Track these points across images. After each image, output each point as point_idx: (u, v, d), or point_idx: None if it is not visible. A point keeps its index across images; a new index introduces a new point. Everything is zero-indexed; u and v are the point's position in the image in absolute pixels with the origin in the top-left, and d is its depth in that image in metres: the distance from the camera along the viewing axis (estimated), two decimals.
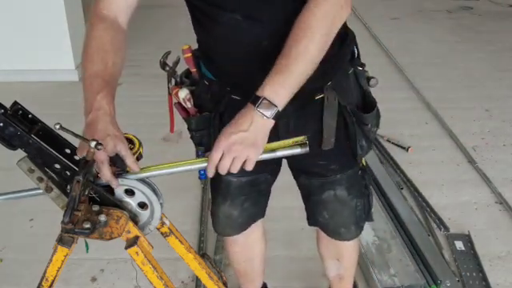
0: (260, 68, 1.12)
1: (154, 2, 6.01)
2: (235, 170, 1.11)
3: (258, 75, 1.10)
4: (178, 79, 1.42)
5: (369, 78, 1.40)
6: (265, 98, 1.07)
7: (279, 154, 1.16)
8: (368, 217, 1.54)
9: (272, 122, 1.10)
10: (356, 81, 1.37)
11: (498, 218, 2.55)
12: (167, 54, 1.43)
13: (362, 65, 1.39)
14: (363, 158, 1.46)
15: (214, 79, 1.35)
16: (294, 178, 1.52)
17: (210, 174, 1.13)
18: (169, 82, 1.41)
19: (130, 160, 1.12)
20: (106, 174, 1.10)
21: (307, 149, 1.15)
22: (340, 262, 1.68)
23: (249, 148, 1.09)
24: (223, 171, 1.11)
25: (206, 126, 1.37)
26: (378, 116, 1.38)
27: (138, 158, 1.16)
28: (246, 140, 1.08)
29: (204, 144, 1.40)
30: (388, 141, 3.19)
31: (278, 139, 1.32)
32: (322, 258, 1.73)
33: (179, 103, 1.37)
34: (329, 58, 1.23)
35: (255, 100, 1.08)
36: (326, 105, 1.29)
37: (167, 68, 1.41)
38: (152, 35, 5.05)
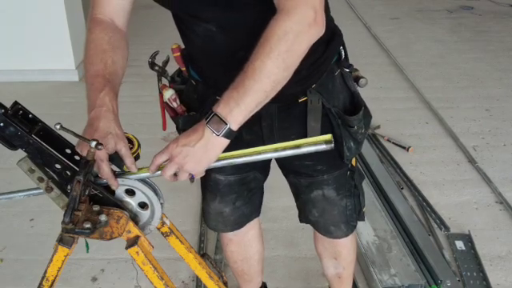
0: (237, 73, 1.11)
1: (153, 2, 6.00)
2: (180, 179, 1.11)
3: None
4: (169, 78, 1.44)
5: (358, 78, 1.38)
6: (216, 114, 1.03)
7: (304, 150, 1.16)
8: (359, 216, 1.54)
9: (224, 141, 1.05)
10: (343, 82, 1.35)
11: (499, 217, 2.55)
12: (155, 54, 1.44)
13: (350, 66, 1.37)
14: (353, 159, 1.45)
15: (199, 80, 1.36)
16: (284, 176, 1.53)
17: (150, 171, 1.13)
18: (159, 80, 1.42)
19: (128, 160, 1.12)
20: (105, 173, 1.11)
21: (332, 145, 1.15)
22: (337, 260, 1.68)
23: (190, 163, 1.08)
24: (165, 177, 1.11)
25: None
26: (366, 117, 1.37)
27: (136, 159, 1.16)
28: (190, 156, 1.07)
29: None
30: (388, 141, 3.20)
31: (263, 141, 1.33)
32: (320, 257, 1.73)
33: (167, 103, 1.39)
34: (312, 62, 1.22)
35: (208, 116, 1.05)
36: (309, 107, 1.28)
37: (156, 68, 1.42)
38: (152, 35, 5.05)
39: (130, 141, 1.17)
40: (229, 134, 1.05)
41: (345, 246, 1.64)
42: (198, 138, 1.06)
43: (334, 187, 1.44)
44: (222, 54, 1.21)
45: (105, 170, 1.10)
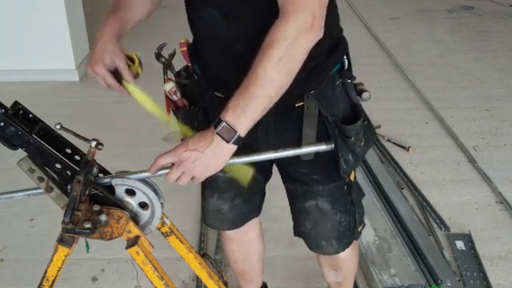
0: (235, 70, 1.12)
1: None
2: (182, 183, 1.12)
3: (235, 76, 1.10)
4: (175, 72, 1.45)
5: (361, 91, 1.36)
6: (225, 123, 1.05)
7: (304, 150, 1.16)
8: (353, 234, 1.49)
9: (233, 147, 1.08)
10: (345, 92, 1.33)
11: (499, 217, 2.56)
12: (162, 45, 1.46)
13: (352, 77, 1.36)
14: (352, 174, 1.41)
15: (201, 74, 1.37)
16: (282, 182, 1.50)
17: (150, 171, 1.13)
18: (164, 73, 1.43)
19: (125, 73, 1.21)
20: (111, 83, 1.21)
21: (332, 145, 1.14)
22: (338, 272, 1.66)
23: (198, 168, 1.09)
24: (169, 180, 1.12)
25: (192, 120, 1.39)
26: (367, 132, 1.33)
27: (136, 76, 1.23)
28: (199, 161, 1.08)
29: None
30: (388, 140, 3.20)
31: (257, 144, 1.32)
32: (320, 266, 1.71)
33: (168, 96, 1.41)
34: (312, 67, 1.21)
35: (217, 123, 1.06)
36: (305, 113, 1.27)
37: (162, 59, 1.43)
38: (152, 35, 5.04)
39: (131, 59, 1.24)
40: (237, 141, 1.07)
41: (345, 261, 1.61)
42: (207, 144, 1.07)
43: (329, 200, 1.41)
44: (222, 43, 1.22)
45: (110, 81, 1.20)
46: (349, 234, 1.47)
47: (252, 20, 1.13)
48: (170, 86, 1.37)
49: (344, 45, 1.33)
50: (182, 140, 1.19)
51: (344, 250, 1.51)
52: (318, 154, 1.27)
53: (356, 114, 1.32)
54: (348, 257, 1.60)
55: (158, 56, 1.43)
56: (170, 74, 1.44)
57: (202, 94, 1.37)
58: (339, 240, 1.47)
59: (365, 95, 1.36)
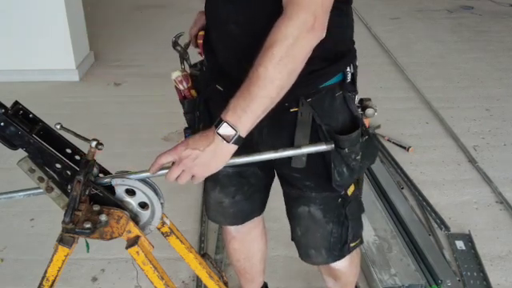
0: (232, 53, 1.14)
1: (154, 2, 6.01)
2: (181, 181, 1.12)
3: (232, 61, 1.11)
4: (189, 62, 1.49)
5: (366, 107, 1.35)
6: (226, 123, 1.05)
7: (304, 150, 1.16)
8: (343, 248, 1.44)
9: (233, 147, 1.08)
10: (345, 105, 1.29)
11: (499, 217, 2.56)
12: (180, 34, 1.50)
13: (354, 91, 1.33)
14: (351, 189, 1.38)
15: (207, 65, 1.39)
16: (280, 184, 1.49)
17: (151, 171, 1.13)
18: (181, 63, 1.47)
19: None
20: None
21: (333, 145, 1.14)
22: (337, 281, 1.65)
23: (198, 167, 1.09)
24: (169, 179, 1.12)
25: (194, 110, 1.42)
26: (367, 146, 1.30)
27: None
28: (199, 159, 1.08)
29: (191, 127, 1.45)
30: (389, 140, 3.20)
31: (257, 144, 1.32)
32: (320, 272, 1.70)
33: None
34: (310, 71, 1.18)
35: (218, 123, 1.06)
36: (299, 119, 1.25)
37: (178, 48, 1.47)
38: (152, 35, 5.05)
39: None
40: (238, 141, 1.07)
41: (344, 273, 1.60)
42: (207, 143, 1.07)
43: (321, 208, 1.39)
44: (219, 22, 1.24)
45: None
46: (339, 246, 1.44)
47: (247, 6, 1.16)
48: (175, 74, 1.40)
49: (350, 57, 1.30)
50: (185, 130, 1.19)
51: (334, 261, 1.49)
52: (310, 162, 1.26)
53: (355, 126, 1.30)
54: (347, 269, 1.58)
55: (175, 44, 1.47)
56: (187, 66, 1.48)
57: (205, 86, 1.39)
58: (329, 251, 1.45)
59: (368, 111, 1.35)
